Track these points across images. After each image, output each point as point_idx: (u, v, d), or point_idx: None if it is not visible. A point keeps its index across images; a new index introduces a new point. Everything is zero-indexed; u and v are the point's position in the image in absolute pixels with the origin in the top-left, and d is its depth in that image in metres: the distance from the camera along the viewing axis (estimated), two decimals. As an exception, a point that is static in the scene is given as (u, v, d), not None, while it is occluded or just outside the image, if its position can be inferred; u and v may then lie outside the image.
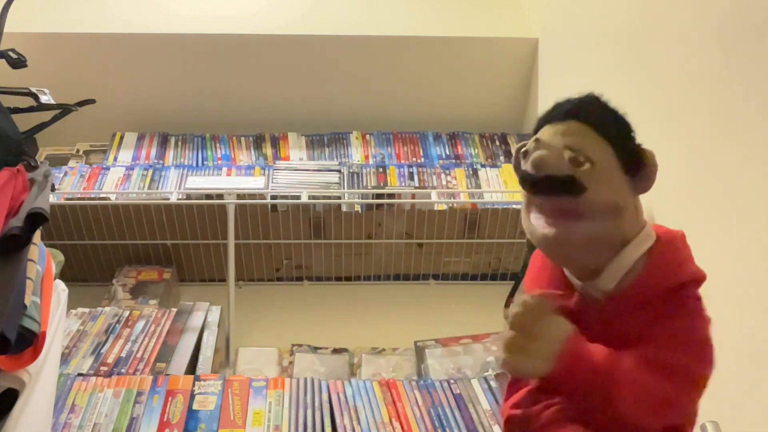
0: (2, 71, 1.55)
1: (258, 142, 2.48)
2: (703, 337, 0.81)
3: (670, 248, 0.83)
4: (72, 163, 2.40)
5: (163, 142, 2.47)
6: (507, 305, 1.87)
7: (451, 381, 1.65)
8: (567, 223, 0.79)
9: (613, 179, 0.79)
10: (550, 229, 0.80)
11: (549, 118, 0.85)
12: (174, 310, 1.89)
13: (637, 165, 0.81)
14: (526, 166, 0.82)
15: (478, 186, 2.27)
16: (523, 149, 0.85)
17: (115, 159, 2.38)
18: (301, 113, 2.56)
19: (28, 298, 1.04)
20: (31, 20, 2.37)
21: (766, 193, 1.19)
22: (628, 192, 0.81)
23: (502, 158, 2.42)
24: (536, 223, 0.82)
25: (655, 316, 0.81)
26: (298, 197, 2.13)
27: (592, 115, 0.82)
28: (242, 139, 2.49)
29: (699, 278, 0.83)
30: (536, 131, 0.86)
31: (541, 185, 0.80)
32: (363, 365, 1.92)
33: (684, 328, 0.79)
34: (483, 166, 2.35)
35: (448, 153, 2.44)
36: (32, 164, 1.26)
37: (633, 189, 0.81)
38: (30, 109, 1.52)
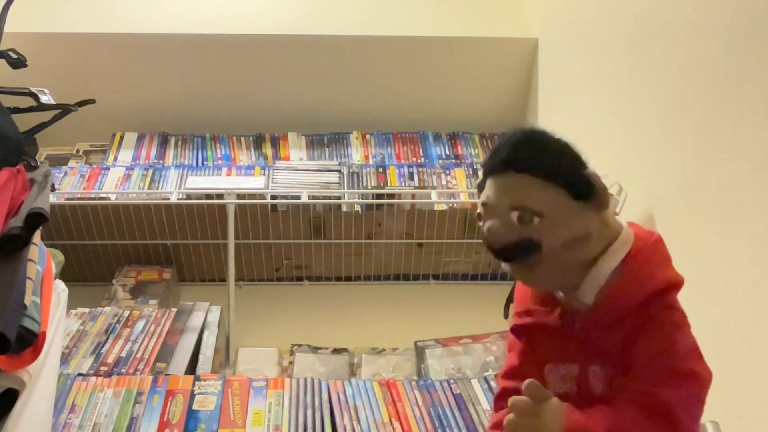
0: (2, 71, 1.55)
1: (258, 142, 2.48)
2: (687, 348, 0.80)
3: (642, 257, 0.82)
4: (72, 163, 2.40)
5: (163, 142, 2.47)
6: (507, 305, 1.87)
7: (451, 381, 1.65)
8: (534, 266, 0.81)
9: (568, 218, 0.79)
10: (521, 274, 0.83)
11: (490, 170, 0.84)
12: (174, 310, 1.89)
13: (588, 189, 0.80)
14: (483, 233, 0.83)
15: (478, 186, 2.27)
16: (477, 212, 0.85)
17: (115, 159, 2.38)
18: (301, 113, 2.56)
19: (28, 298, 1.04)
20: (31, 20, 2.36)
21: (765, 191, 1.19)
22: (586, 217, 0.80)
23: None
24: (509, 270, 0.84)
25: (632, 330, 0.80)
26: (298, 197, 2.13)
27: (529, 161, 0.80)
28: (242, 139, 2.49)
29: (674, 284, 0.82)
30: (482, 182, 0.86)
31: (501, 254, 0.81)
32: (363, 365, 1.92)
33: (666, 346, 0.79)
34: (483, 165, 2.35)
35: (448, 153, 2.44)
36: (32, 164, 1.26)
37: (593, 208, 0.81)
38: (30, 109, 1.52)
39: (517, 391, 0.84)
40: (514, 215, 0.79)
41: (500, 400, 0.93)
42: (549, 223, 0.79)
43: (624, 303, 0.81)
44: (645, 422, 0.77)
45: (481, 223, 0.84)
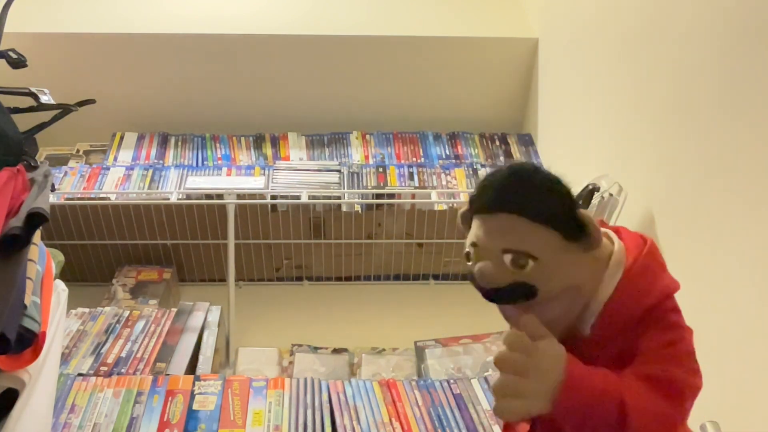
0: (2, 71, 1.55)
1: (258, 142, 2.48)
2: (692, 349, 0.80)
3: (635, 274, 0.80)
4: (72, 163, 2.40)
5: (163, 142, 2.47)
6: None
7: (451, 381, 1.65)
8: (531, 309, 0.78)
9: (562, 262, 0.77)
10: (518, 316, 0.79)
11: (478, 209, 0.80)
12: (174, 310, 1.89)
13: (580, 229, 0.77)
14: (474, 274, 0.80)
15: (478, 186, 2.27)
16: (465, 250, 0.82)
17: (115, 159, 2.38)
18: (301, 113, 2.56)
19: (28, 298, 1.04)
20: (31, 20, 2.37)
21: (766, 191, 1.19)
22: (580, 258, 0.78)
23: (502, 158, 2.42)
24: (506, 309, 0.82)
25: (634, 337, 0.80)
26: (298, 197, 2.13)
27: (520, 202, 0.77)
28: (242, 139, 2.49)
29: (670, 293, 0.81)
30: (467, 215, 0.82)
31: (493, 297, 0.79)
32: (363, 365, 1.92)
33: (672, 340, 0.78)
34: (483, 166, 2.35)
35: (448, 153, 2.44)
36: (32, 164, 1.26)
37: (583, 250, 0.78)
38: (30, 109, 1.52)
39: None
40: (507, 258, 0.76)
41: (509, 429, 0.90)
42: (544, 267, 0.76)
43: (622, 319, 0.80)
44: (648, 391, 0.75)
45: (470, 264, 0.81)
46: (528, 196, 0.77)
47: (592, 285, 0.79)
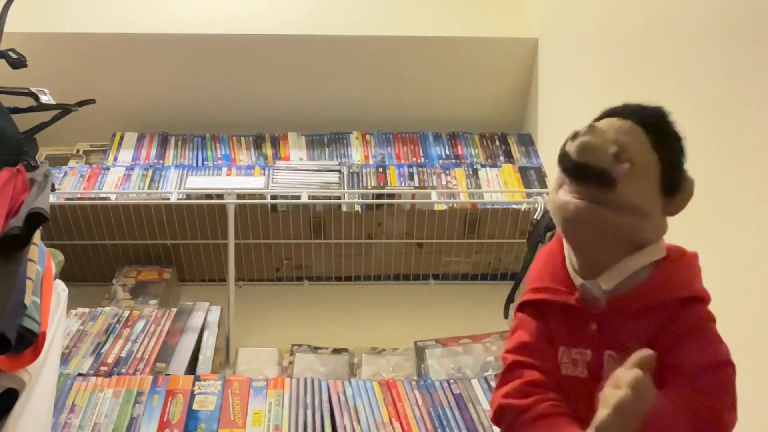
0: (2, 71, 1.55)
1: (258, 142, 2.48)
2: (734, 380, 0.82)
3: (677, 265, 0.85)
4: (72, 163, 2.40)
5: (163, 142, 2.47)
6: (507, 306, 1.87)
7: (451, 381, 1.65)
8: (594, 205, 0.81)
9: (647, 186, 0.82)
10: (580, 203, 0.82)
11: (614, 111, 0.87)
12: (174, 310, 1.89)
13: (675, 188, 0.83)
14: (571, 147, 0.83)
15: (478, 186, 2.27)
16: (575, 131, 0.86)
17: (115, 159, 2.38)
18: (301, 113, 2.56)
19: (28, 298, 1.04)
20: (31, 20, 2.36)
21: (766, 191, 1.19)
22: (656, 204, 0.83)
23: (502, 158, 2.42)
24: (566, 198, 0.83)
25: (665, 328, 0.81)
26: (298, 197, 2.13)
27: (654, 125, 0.84)
28: (242, 139, 2.49)
29: (703, 297, 0.84)
30: (597, 120, 0.87)
31: (577, 171, 0.82)
32: (363, 365, 1.92)
33: (718, 363, 0.81)
34: (483, 166, 2.35)
35: (448, 153, 2.44)
36: (32, 164, 1.26)
37: (663, 206, 0.84)
38: (30, 109, 1.52)
39: (533, 366, 0.85)
40: (612, 148, 0.81)
41: (511, 371, 0.91)
42: (634, 174, 0.80)
43: (649, 299, 0.82)
44: (695, 420, 0.77)
45: (573, 141, 0.84)
46: (663, 127, 0.84)
47: (649, 234, 0.83)
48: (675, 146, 0.85)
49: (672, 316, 0.81)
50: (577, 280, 0.87)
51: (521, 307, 0.94)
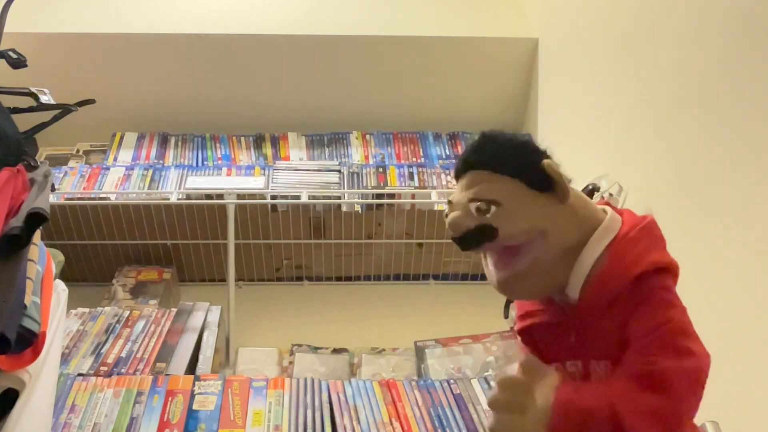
0: (2, 71, 1.55)
1: (258, 142, 2.48)
2: (684, 327, 0.80)
3: (627, 241, 0.83)
4: (72, 163, 2.40)
5: (163, 142, 2.47)
6: (507, 305, 1.87)
7: (451, 381, 1.65)
8: (507, 262, 0.83)
9: (526, 208, 0.82)
10: (498, 273, 0.84)
11: (455, 174, 0.89)
12: (174, 310, 1.89)
13: (547, 180, 0.82)
14: (447, 227, 0.86)
15: (478, 186, 2.27)
16: (444, 213, 0.88)
17: (115, 159, 2.38)
18: (301, 113, 2.56)
19: (28, 298, 1.04)
20: (31, 20, 2.36)
21: (766, 192, 1.19)
22: (547, 208, 0.82)
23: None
24: (490, 274, 0.86)
25: (624, 312, 0.80)
26: (298, 197, 2.13)
27: (486, 157, 0.85)
28: (242, 139, 2.49)
29: (663, 266, 0.81)
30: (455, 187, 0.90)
31: (463, 243, 0.84)
32: (363, 365, 1.92)
33: (658, 323, 0.78)
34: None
35: (448, 153, 2.44)
36: (32, 164, 1.26)
37: (556, 200, 0.83)
38: (30, 109, 1.52)
39: None
40: (473, 206, 0.83)
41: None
42: (506, 211, 0.82)
43: (610, 288, 0.81)
44: (638, 391, 0.76)
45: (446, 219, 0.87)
46: (492, 152, 0.85)
47: (564, 236, 0.82)
48: (513, 155, 0.84)
49: (629, 295, 0.81)
50: (554, 295, 0.88)
51: (517, 333, 0.95)
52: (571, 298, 0.83)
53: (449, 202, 0.87)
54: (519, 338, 0.95)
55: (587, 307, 0.82)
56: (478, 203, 0.82)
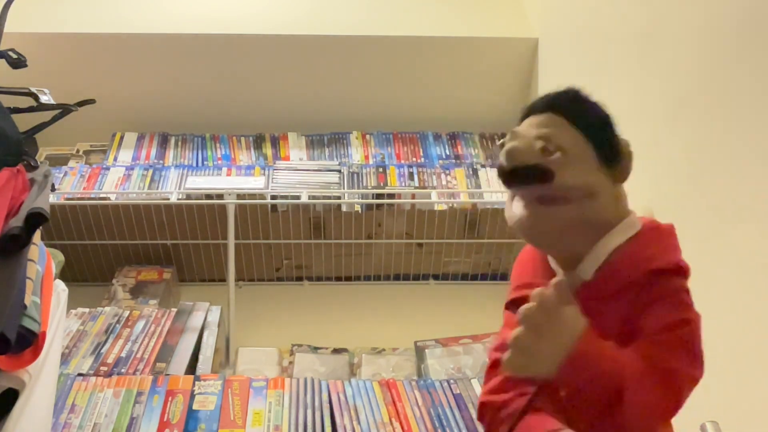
0: (2, 71, 1.55)
1: (258, 142, 2.48)
2: (700, 334, 0.81)
3: (649, 237, 0.84)
4: (72, 163, 2.40)
5: (163, 142, 2.47)
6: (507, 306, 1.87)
7: (451, 381, 1.65)
8: (542, 207, 0.82)
9: (585, 166, 0.82)
10: (530, 212, 0.82)
11: (530, 110, 0.87)
12: (174, 310, 1.89)
13: (614, 155, 0.84)
14: (501, 157, 0.84)
15: (478, 186, 2.27)
16: (500, 142, 0.87)
17: (115, 159, 2.38)
18: (301, 113, 2.56)
19: (28, 298, 1.04)
20: (31, 20, 2.36)
21: (766, 191, 1.19)
22: (603, 178, 0.83)
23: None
24: (515, 210, 0.84)
25: (635, 304, 0.81)
26: (298, 197, 2.13)
27: (568, 107, 0.85)
28: (242, 139, 2.49)
29: (679, 268, 0.82)
30: (519, 124, 0.88)
31: (512, 175, 0.82)
32: (363, 365, 1.92)
33: (679, 322, 0.79)
34: (483, 166, 2.35)
35: (448, 153, 2.44)
36: (32, 164, 1.26)
37: (611, 177, 0.84)
38: (30, 109, 1.52)
39: None
40: (539, 144, 0.82)
41: (494, 368, 0.91)
42: (568, 160, 0.81)
43: (624, 276, 0.81)
44: (650, 384, 0.76)
45: (500, 152, 0.85)
46: (577, 105, 0.85)
47: (607, 211, 0.83)
48: (596, 119, 0.86)
49: (645, 287, 0.81)
50: (559, 272, 0.87)
51: (507, 306, 0.94)
52: (580, 278, 0.83)
53: (512, 132, 0.85)
54: (507, 311, 0.93)
55: (597, 289, 0.83)
56: (546, 143, 0.82)
